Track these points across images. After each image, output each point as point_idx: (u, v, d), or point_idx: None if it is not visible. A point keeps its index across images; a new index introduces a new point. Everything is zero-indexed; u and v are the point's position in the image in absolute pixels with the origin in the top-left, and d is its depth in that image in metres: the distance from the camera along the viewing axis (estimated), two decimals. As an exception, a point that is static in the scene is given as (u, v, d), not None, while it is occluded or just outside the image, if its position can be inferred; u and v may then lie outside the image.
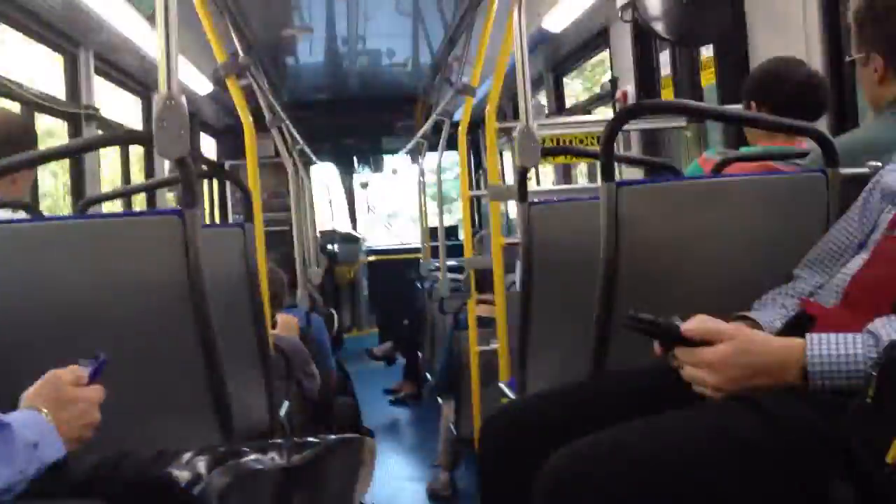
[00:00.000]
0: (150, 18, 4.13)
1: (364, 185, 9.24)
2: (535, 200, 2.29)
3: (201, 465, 1.17)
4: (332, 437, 1.26)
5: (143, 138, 1.53)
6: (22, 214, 2.17)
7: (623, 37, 4.34)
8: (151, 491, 1.17)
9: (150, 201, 5.14)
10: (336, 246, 8.47)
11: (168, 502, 1.16)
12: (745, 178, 1.91)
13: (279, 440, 1.24)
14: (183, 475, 1.17)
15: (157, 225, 1.60)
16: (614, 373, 1.71)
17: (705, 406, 1.26)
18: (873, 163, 1.75)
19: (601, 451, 1.19)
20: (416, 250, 7.38)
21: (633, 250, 1.67)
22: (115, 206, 3.95)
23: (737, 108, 2.40)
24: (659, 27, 3.32)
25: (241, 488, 1.14)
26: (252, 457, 1.19)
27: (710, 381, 1.23)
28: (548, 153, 2.96)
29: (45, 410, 1.21)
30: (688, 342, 1.24)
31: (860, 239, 1.48)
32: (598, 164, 1.67)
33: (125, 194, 4.24)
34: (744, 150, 2.46)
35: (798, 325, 1.36)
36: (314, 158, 7.49)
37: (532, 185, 4.41)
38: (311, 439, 1.23)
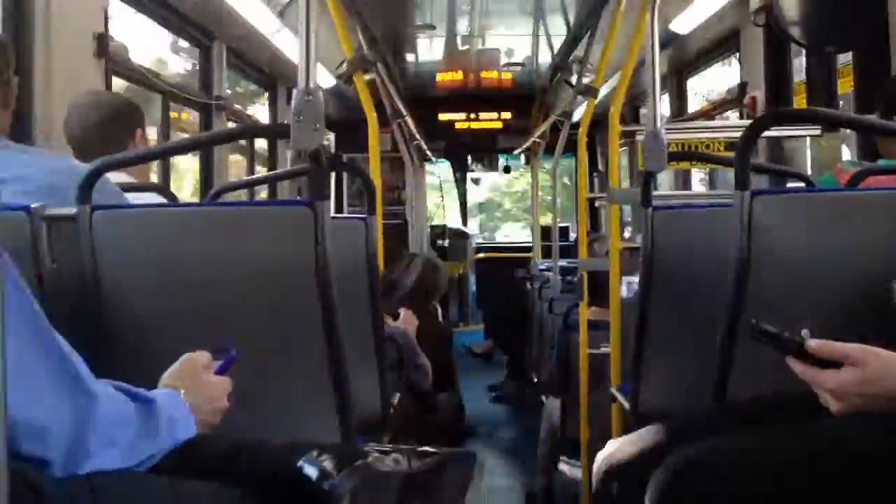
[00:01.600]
0: (281, 14, 4.25)
1: (476, 182, 9.27)
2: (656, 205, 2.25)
3: (328, 462, 1.20)
4: (448, 449, 1.28)
5: (282, 131, 1.57)
6: (158, 198, 2.27)
7: (754, 40, 4.21)
8: (283, 482, 1.20)
9: (272, 192, 5.29)
10: (446, 241, 8.53)
11: (298, 495, 1.19)
12: (885, 192, 1.82)
13: (400, 447, 1.27)
14: (312, 470, 1.19)
15: (289, 215, 1.63)
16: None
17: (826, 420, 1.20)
18: None
19: (715, 459, 1.17)
20: (526, 249, 7.36)
21: (763, 260, 1.62)
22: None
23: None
24: (796, 32, 3.20)
25: (369, 489, 1.16)
26: (376, 458, 1.22)
27: (833, 407, 1.17)
28: (674, 157, 2.90)
29: (183, 390, 1.26)
30: (812, 360, 1.17)
31: None
32: (730, 171, 1.63)
33: (254, 184, 4.39)
34: (882, 162, 2.36)
35: None
36: (430, 154, 7.56)
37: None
38: (428, 449, 1.25)
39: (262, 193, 5.20)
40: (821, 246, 1.64)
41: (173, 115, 4.76)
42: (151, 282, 1.66)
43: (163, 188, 2.31)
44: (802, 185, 2.42)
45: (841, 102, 3.43)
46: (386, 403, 2.23)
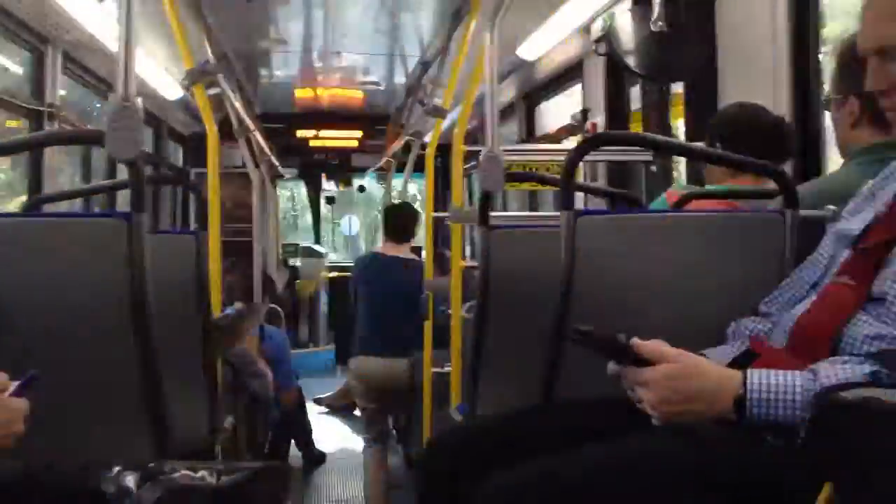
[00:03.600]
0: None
1: (330, 201, 9.19)
2: (498, 224, 2.27)
3: (129, 480, 1.14)
4: (260, 463, 1.25)
5: (95, 138, 1.49)
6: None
7: (596, 69, 4.36)
8: (78, 501, 1.13)
9: (111, 205, 5.05)
10: (298, 260, 8.41)
11: None
12: (705, 214, 1.91)
13: (209, 462, 1.22)
14: (109, 489, 1.13)
15: (103, 227, 1.56)
16: (563, 402, 1.70)
17: (640, 435, 1.26)
18: (832, 207, 1.76)
19: (532, 481, 1.19)
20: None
21: (590, 279, 1.67)
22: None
23: (702, 145, 2.41)
24: (631, 61, 3.33)
25: None
26: (182, 473, 1.16)
27: (645, 399, 1.24)
28: (512, 178, 2.95)
29: None
30: (631, 358, 1.24)
31: (813, 280, 1.49)
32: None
33: (81, 194, 4.17)
34: (710, 187, 2.47)
35: (744, 361, 1.37)
36: (281, 171, 7.44)
37: (498, 212, 4.40)
38: (241, 463, 1.22)
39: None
40: (641, 264, 1.71)
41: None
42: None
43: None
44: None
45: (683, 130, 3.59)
46: (216, 426, 2.15)
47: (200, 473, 1.17)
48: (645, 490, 1.16)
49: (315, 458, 5.01)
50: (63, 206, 2.80)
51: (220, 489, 1.16)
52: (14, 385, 1.27)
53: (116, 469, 1.15)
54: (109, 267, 1.52)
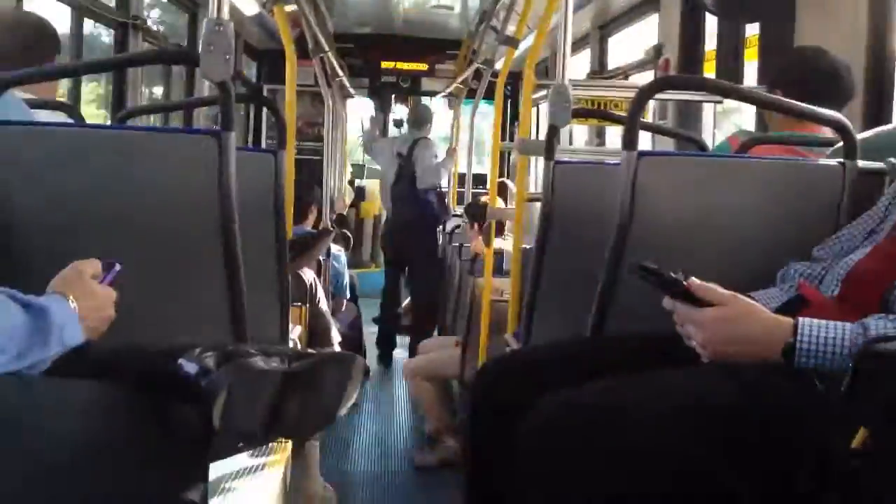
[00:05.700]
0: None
1: (398, 124, 9.23)
2: (563, 159, 2.33)
3: (210, 360, 1.27)
4: (329, 351, 1.37)
5: (192, 59, 1.58)
6: (63, 117, 2.24)
7: (672, 3, 4.30)
8: (162, 379, 1.26)
9: (187, 119, 5.20)
10: (364, 180, 8.53)
11: (177, 391, 1.24)
12: (764, 160, 1.94)
13: (283, 348, 1.35)
14: (192, 367, 1.26)
15: (195, 143, 1.67)
16: (612, 336, 1.78)
17: (690, 370, 1.33)
18: (893, 160, 1.78)
19: (587, 401, 1.27)
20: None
21: (647, 219, 1.72)
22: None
23: (763, 89, 2.41)
24: (710, -1, 3.29)
25: (245, 385, 1.24)
26: (257, 358, 1.30)
27: (696, 338, 1.30)
28: (579, 114, 2.98)
29: (71, 297, 1.27)
30: (689, 298, 1.30)
31: (869, 229, 1.53)
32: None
33: (164, 109, 4.30)
34: (772, 133, 2.48)
35: (793, 306, 1.42)
36: (352, 92, 7.50)
37: (564, 144, 4.42)
38: (310, 350, 1.34)
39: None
40: (699, 206, 1.76)
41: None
42: (52, 201, 1.66)
43: (70, 107, 2.28)
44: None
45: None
46: (285, 335, 2.28)
47: (273, 359, 1.32)
48: (689, 425, 1.23)
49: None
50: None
51: (291, 373, 1.30)
52: (103, 276, 1.40)
53: (198, 350, 1.28)
54: (198, 181, 1.63)
